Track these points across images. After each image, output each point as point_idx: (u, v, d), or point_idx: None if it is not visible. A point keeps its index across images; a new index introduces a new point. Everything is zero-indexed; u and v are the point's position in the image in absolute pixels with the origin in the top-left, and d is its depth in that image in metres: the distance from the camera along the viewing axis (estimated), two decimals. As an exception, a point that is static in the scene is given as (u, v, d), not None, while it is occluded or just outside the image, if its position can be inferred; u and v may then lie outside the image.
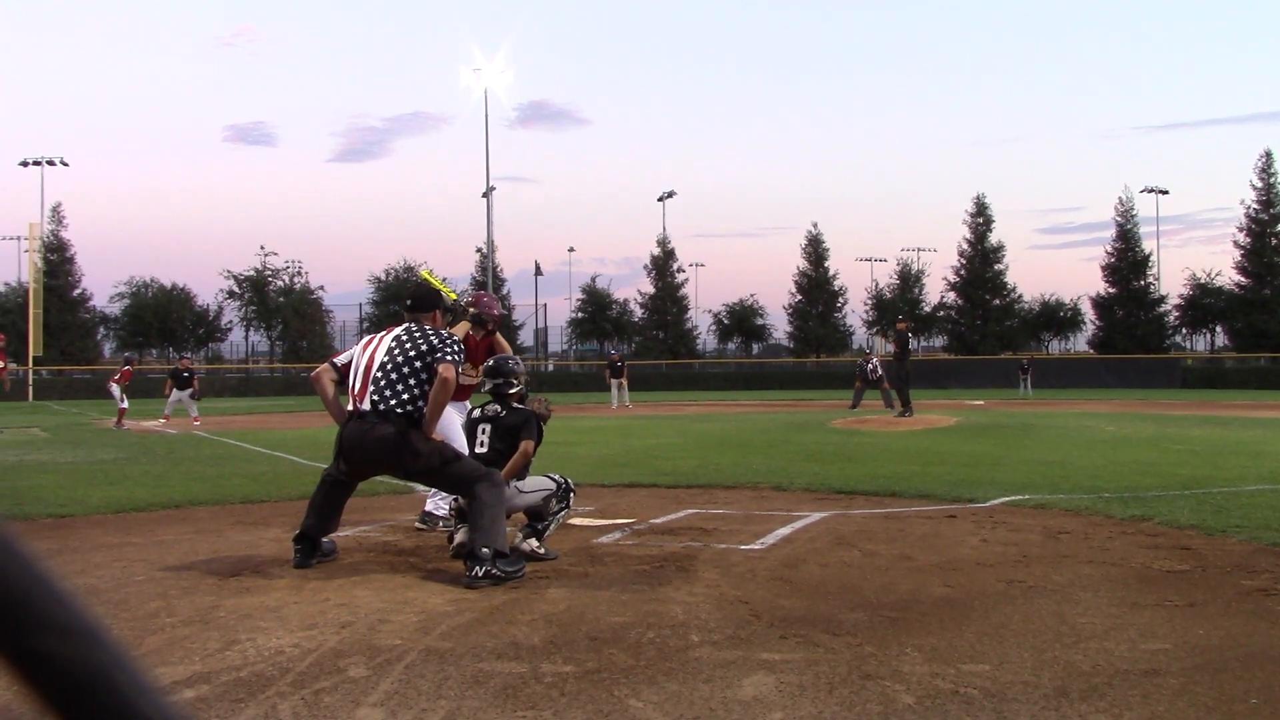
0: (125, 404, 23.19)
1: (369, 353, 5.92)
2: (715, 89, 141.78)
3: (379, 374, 5.76)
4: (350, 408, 5.88)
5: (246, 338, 70.59)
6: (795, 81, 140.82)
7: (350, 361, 6.04)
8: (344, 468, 5.92)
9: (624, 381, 33.00)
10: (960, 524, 7.17)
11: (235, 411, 30.03)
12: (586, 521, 7.38)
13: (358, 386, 5.83)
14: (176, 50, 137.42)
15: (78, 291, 63.99)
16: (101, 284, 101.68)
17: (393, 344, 5.90)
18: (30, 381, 50.39)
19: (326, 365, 6.20)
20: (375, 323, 72.33)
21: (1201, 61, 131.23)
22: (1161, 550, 6.08)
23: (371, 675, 3.71)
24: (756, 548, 6.29)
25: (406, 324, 6.09)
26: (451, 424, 7.05)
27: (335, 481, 5.97)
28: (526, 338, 73.57)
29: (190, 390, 25.90)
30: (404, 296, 6.37)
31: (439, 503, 7.19)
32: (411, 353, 5.81)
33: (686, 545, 6.38)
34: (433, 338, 5.90)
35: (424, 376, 5.76)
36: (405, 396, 5.71)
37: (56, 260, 61.31)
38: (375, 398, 5.71)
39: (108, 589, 5.24)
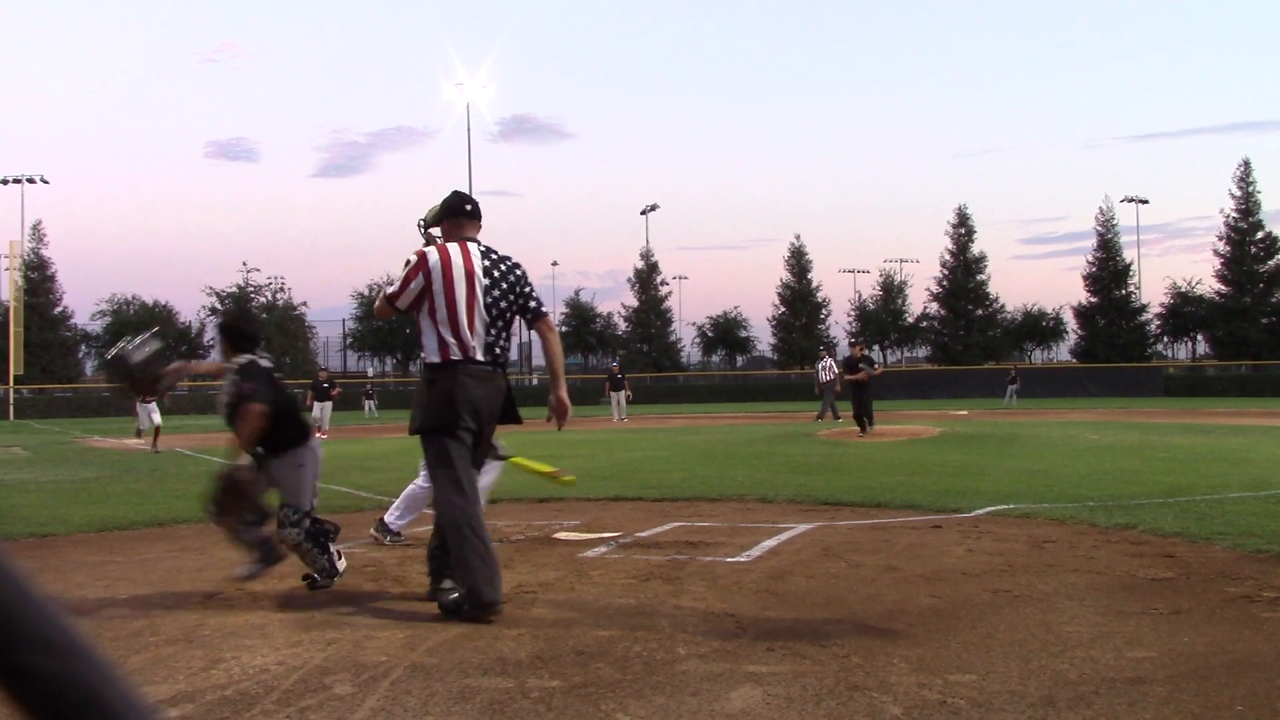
0: (158, 419, 20.77)
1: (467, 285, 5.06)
2: (698, 102, 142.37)
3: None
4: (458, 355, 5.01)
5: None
6: (777, 94, 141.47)
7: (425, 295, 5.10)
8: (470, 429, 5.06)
9: (625, 394, 32.38)
10: (945, 534, 7.18)
11: (219, 428, 29.85)
12: (572, 535, 7.37)
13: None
14: (158, 66, 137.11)
15: (59, 309, 63.79)
16: (83, 301, 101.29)
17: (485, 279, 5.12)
18: (11, 400, 50.07)
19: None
20: (359, 338, 72.30)
21: (1181, 71, 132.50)
22: (1146, 558, 6.11)
23: (357, 692, 3.69)
24: (742, 560, 6.29)
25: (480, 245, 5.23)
26: None
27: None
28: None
29: (330, 403, 26.04)
30: (460, 202, 5.37)
31: (396, 519, 7.08)
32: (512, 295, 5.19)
33: (672, 558, 6.37)
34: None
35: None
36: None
37: (37, 278, 61.09)
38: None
39: (91, 608, 5.19)
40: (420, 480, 6.99)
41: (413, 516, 7.14)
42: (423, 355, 5.09)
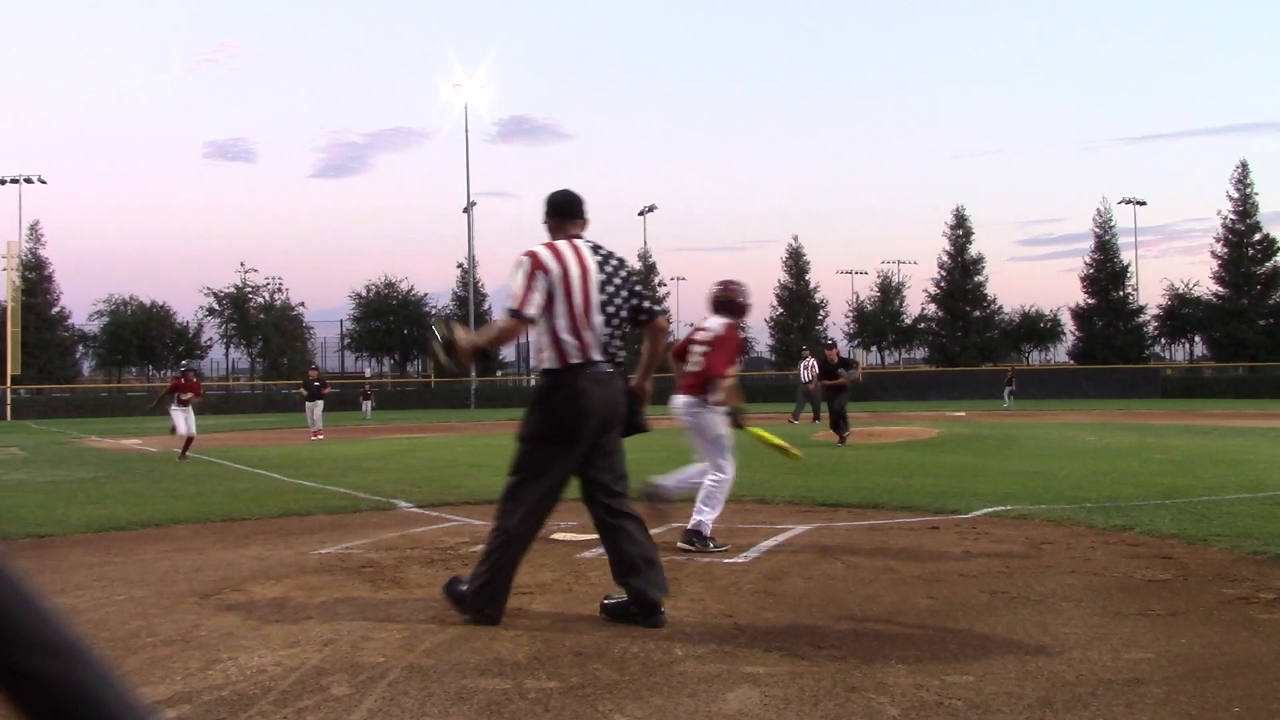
0: (193, 428, 18.19)
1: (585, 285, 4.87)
2: (696, 104, 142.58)
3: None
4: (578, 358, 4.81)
5: (227, 355, 70.54)
6: (775, 96, 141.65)
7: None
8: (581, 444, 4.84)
9: None
10: (943, 535, 7.19)
11: (216, 429, 29.84)
12: (570, 536, 7.37)
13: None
14: (157, 67, 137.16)
15: (56, 309, 63.74)
16: (80, 302, 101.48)
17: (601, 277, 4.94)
18: (8, 400, 50.05)
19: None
20: (356, 339, 72.32)
21: (1179, 73, 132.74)
22: (1143, 560, 6.11)
23: (355, 693, 3.68)
24: (740, 561, 6.29)
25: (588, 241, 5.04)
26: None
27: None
28: (509, 352, 73.54)
29: (322, 401, 25.64)
30: (568, 200, 5.13)
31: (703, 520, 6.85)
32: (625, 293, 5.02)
33: (670, 559, 6.37)
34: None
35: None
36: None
37: (35, 278, 61.02)
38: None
39: (88, 609, 5.19)
40: (707, 470, 6.99)
41: (719, 509, 6.95)
42: (540, 361, 4.87)
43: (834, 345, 20.39)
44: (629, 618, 4.73)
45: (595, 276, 4.86)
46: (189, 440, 17.91)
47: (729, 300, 7.28)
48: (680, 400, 7.19)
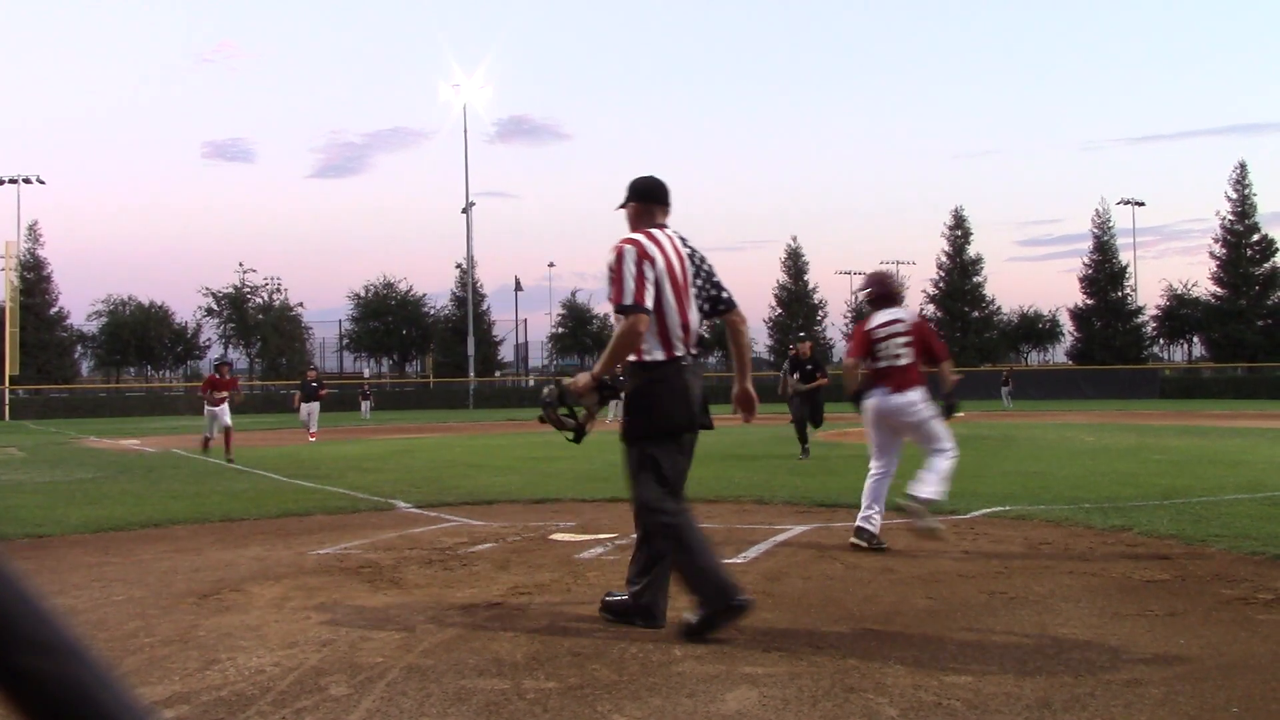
0: (229, 420, 16.74)
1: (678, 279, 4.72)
2: (695, 104, 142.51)
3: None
4: (678, 351, 4.65)
5: (226, 355, 70.37)
6: (775, 96, 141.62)
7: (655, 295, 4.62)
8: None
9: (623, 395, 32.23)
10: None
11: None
12: (568, 537, 7.37)
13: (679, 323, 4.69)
14: (154, 66, 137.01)
15: (54, 310, 63.71)
16: (79, 302, 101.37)
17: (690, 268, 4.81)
18: (7, 401, 50.05)
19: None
20: (355, 339, 72.31)
21: (1178, 74, 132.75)
22: (1142, 560, 6.11)
23: (353, 693, 3.68)
24: (739, 561, 6.29)
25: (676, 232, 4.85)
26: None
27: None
28: (507, 353, 73.71)
29: (318, 403, 25.22)
30: (656, 187, 4.93)
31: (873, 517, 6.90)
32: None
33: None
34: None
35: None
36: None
37: (33, 279, 60.99)
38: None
39: (86, 609, 5.19)
40: (936, 455, 6.95)
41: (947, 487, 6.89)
42: (638, 353, 4.61)
43: (804, 340, 17.49)
44: (628, 618, 4.72)
45: (690, 267, 4.77)
46: (226, 437, 16.47)
47: (892, 292, 7.37)
48: (901, 399, 7.02)
